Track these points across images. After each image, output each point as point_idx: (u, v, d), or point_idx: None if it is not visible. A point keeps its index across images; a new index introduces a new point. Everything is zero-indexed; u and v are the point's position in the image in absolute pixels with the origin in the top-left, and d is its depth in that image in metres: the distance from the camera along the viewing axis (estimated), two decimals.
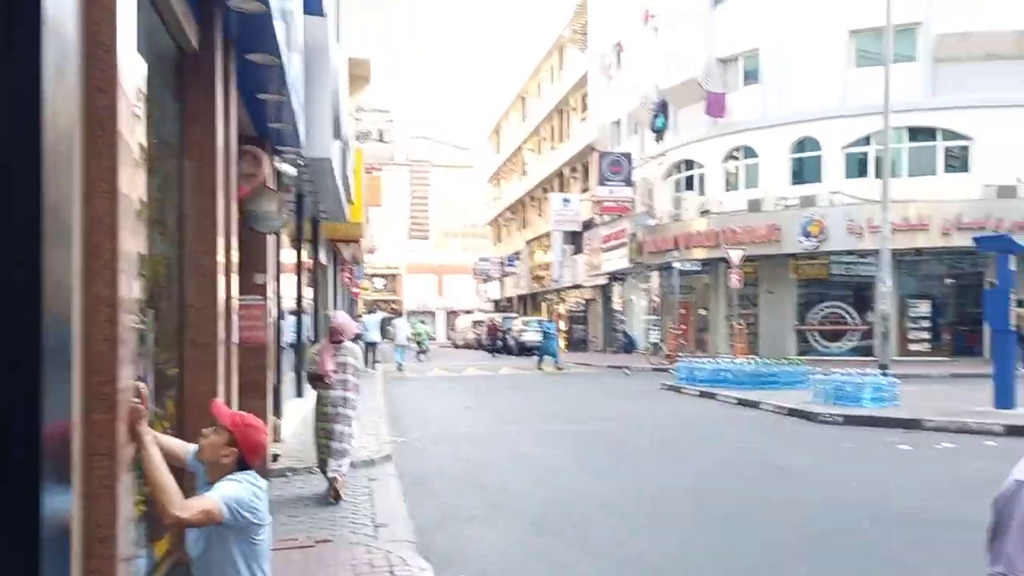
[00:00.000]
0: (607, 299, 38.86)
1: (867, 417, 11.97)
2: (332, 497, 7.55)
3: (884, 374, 14.74)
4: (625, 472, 8.96)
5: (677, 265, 26.23)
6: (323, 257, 19.84)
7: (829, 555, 5.96)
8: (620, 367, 26.65)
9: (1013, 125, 23.70)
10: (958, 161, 24.58)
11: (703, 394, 16.61)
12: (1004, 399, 11.71)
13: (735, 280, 24.21)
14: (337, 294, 26.58)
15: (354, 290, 32.10)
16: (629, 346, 34.32)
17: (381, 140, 21.92)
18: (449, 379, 23.49)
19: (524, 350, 36.76)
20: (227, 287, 5.27)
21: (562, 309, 45.58)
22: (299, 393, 13.66)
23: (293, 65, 6.48)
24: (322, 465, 7.85)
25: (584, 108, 42.66)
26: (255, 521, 3.10)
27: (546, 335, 27.28)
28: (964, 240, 23.01)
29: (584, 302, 42.25)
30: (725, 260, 27.54)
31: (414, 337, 38.60)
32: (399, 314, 30.27)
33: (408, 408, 15.73)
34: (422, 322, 50.38)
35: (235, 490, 3.05)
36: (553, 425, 12.84)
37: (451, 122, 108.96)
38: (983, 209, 22.97)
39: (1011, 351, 11.63)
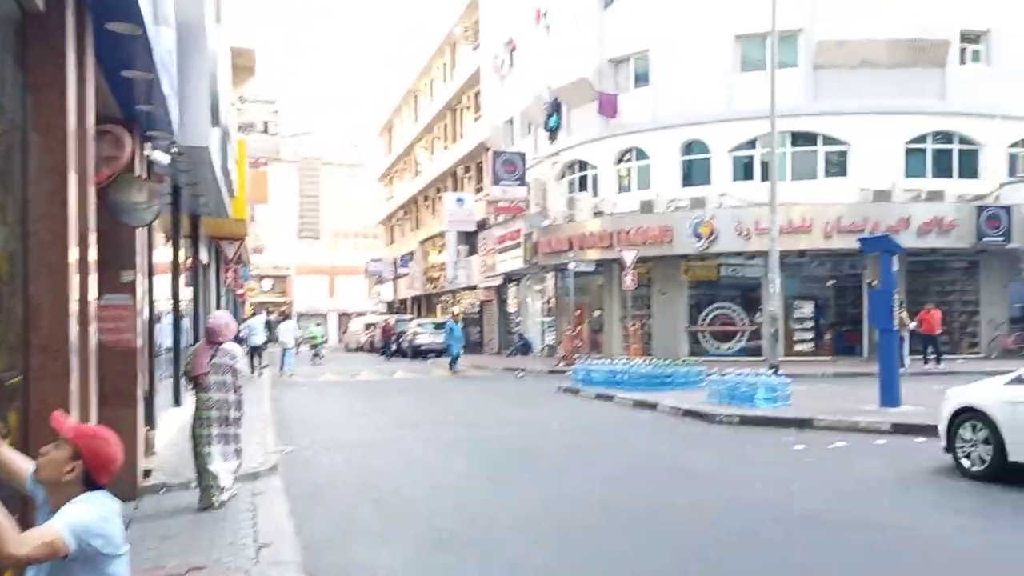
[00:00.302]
0: (502, 300, 38.68)
1: (762, 417, 12.06)
2: (207, 507, 7.25)
3: (775, 374, 14.99)
4: (529, 479, 8.63)
5: (572, 266, 26.21)
6: (204, 256, 18.80)
7: (736, 559, 5.79)
8: (516, 369, 26.47)
9: (887, 131, 24.75)
10: (837, 166, 25.48)
11: (600, 396, 16.51)
12: (889, 398, 12.00)
13: (629, 281, 24.36)
14: (221, 295, 25.37)
15: (239, 291, 30.77)
16: (525, 348, 34.18)
17: (266, 132, 20.96)
18: (341, 384, 22.72)
19: (419, 353, 36.21)
20: (83, 285, 4.63)
21: (457, 311, 45.13)
22: (177, 402, 12.78)
23: (162, 40, 5.84)
24: (201, 474, 7.41)
25: (477, 107, 42.37)
26: (106, 551, 2.60)
27: (451, 334, 26.73)
28: (844, 242, 23.95)
29: (479, 303, 41.95)
30: (619, 261, 27.76)
31: (308, 340, 39.06)
32: (287, 316, 29.28)
33: (297, 415, 15.00)
34: (317, 325, 49.29)
35: (81, 515, 2.57)
36: (452, 430, 12.42)
37: (343, 119, 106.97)
38: (861, 212, 23.86)
39: (894, 351, 11.92)
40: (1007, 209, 23.63)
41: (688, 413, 13.07)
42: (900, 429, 10.71)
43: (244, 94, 21.66)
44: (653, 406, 14.24)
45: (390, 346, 36.79)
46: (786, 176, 25.72)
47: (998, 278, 25.36)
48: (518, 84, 35.30)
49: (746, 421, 12.03)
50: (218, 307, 21.64)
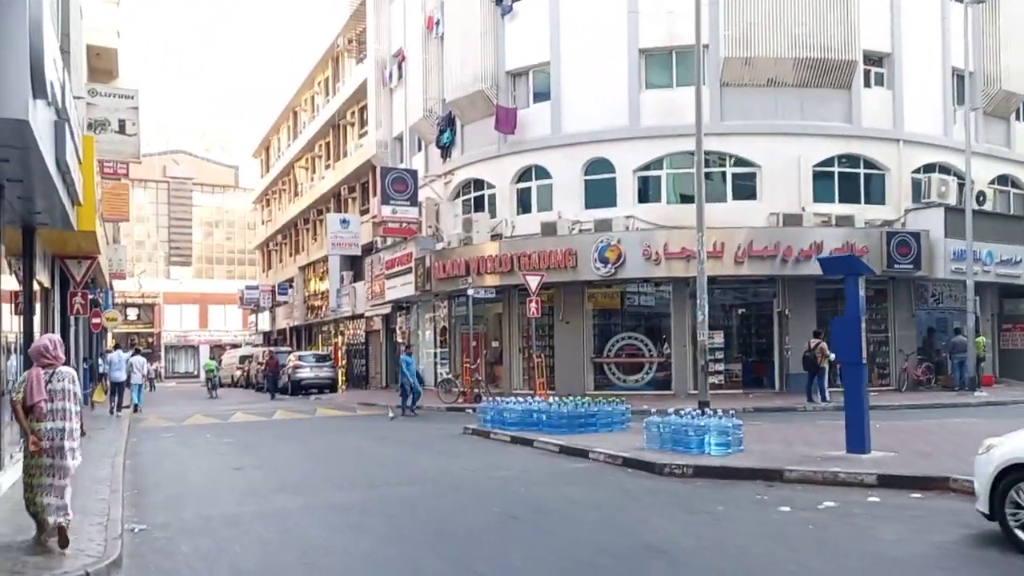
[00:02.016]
0: (390, 331, 36.21)
1: (719, 468, 10.33)
2: (60, 545, 6.96)
3: (702, 412, 13.40)
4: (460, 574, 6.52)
5: (471, 292, 24.21)
6: (44, 278, 15.77)
7: None
8: (390, 408, 24.11)
9: (795, 153, 24.07)
10: (746, 188, 24.58)
11: (516, 440, 14.52)
12: (858, 443, 10.52)
13: (533, 309, 22.56)
14: (70, 325, 22.02)
15: (95, 321, 27.17)
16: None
17: (123, 132, 18.06)
18: (212, 427, 19.86)
19: (299, 388, 33.33)
20: None
21: (341, 342, 42.30)
22: None
23: None
24: (36, 511, 7.03)
25: (363, 122, 40.03)
26: None
27: (407, 367, 22.25)
28: (755, 268, 23.03)
29: (365, 334, 39.32)
30: (519, 287, 25.98)
31: (207, 374, 38.01)
32: (138, 350, 26.55)
33: (155, 475, 12.30)
34: (212, 358, 45.39)
35: None
36: (349, 494, 10.13)
37: (217, 138, 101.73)
38: (772, 237, 22.94)
39: (862, 388, 10.47)
40: (916, 235, 23.22)
41: (629, 463, 11.23)
42: (888, 482, 9.19)
43: (97, 87, 18.72)
44: (584, 454, 12.34)
45: (275, 382, 33.04)
46: (693, 198, 24.63)
47: (906, 307, 24.98)
48: (408, 98, 33.31)
49: (701, 472, 10.28)
50: (63, 339, 18.49)
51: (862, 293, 10.67)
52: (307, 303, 48.86)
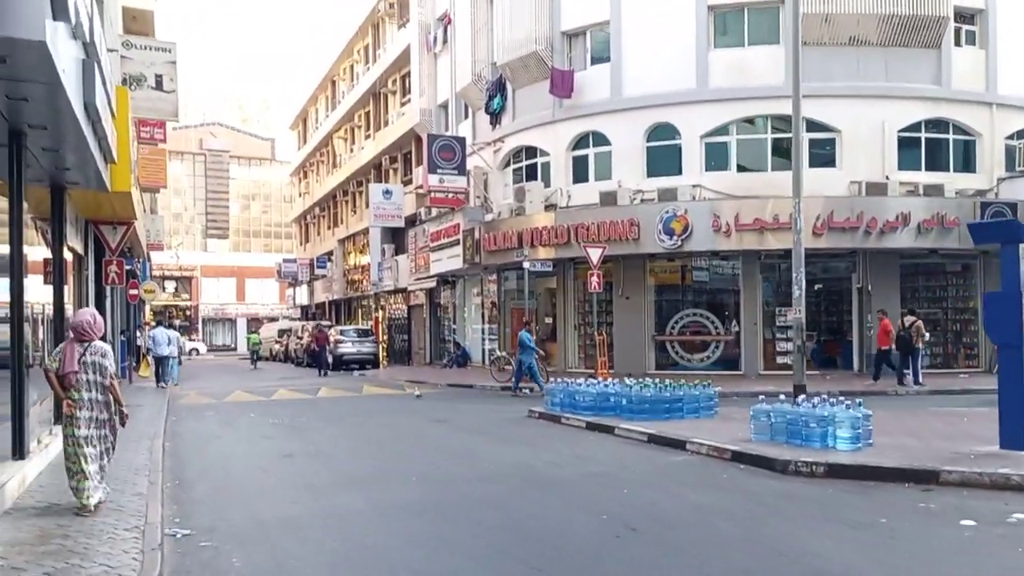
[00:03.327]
0: (435, 305, 34.90)
1: (855, 467, 8.78)
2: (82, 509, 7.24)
3: (796, 397, 11.89)
4: None
5: (527, 265, 22.73)
6: (76, 244, 14.56)
7: None
8: (464, 385, 22.87)
9: (879, 118, 22.23)
10: (825, 155, 22.76)
11: (592, 426, 13.09)
12: (1015, 437, 8.91)
13: (595, 283, 21.05)
14: (105, 296, 20.91)
15: (131, 292, 26.16)
16: (462, 359, 30.55)
17: (160, 88, 16.73)
18: (256, 405, 18.66)
19: (340, 364, 32.18)
20: None
21: (381, 316, 41.11)
22: (20, 454, 8.71)
23: None
24: (71, 476, 7.27)
25: (405, 91, 38.52)
26: None
27: (523, 348, 19.75)
28: (834, 241, 21.27)
29: (407, 309, 38.05)
30: (575, 260, 24.55)
31: (252, 347, 39.42)
32: (170, 324, 26.06)
33: (199, 463, 11.03)
34: (254, 332, 45.27)
35: None
36: (420, 491, 8.76)
37: (253, 110, 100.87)
38: (854, 207, 21.18)
39: (1020, 373, 8.83)
40: (1013, 206, 21.27)
41: (740, 457, 9.72)
42: None
43: (131, 39, 17.41)
44: (679, 444, 10.87)
45: (324, 358, 31.01)
46: (766, 166, 22.98)
47: (997, 283, 23.00)
48: (455, 63, 31.78)
49: (835, 472, 8.75)
50: (99, 309, 17.35)
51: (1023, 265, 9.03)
52: (346, 277, 47.73)
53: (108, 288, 20.09)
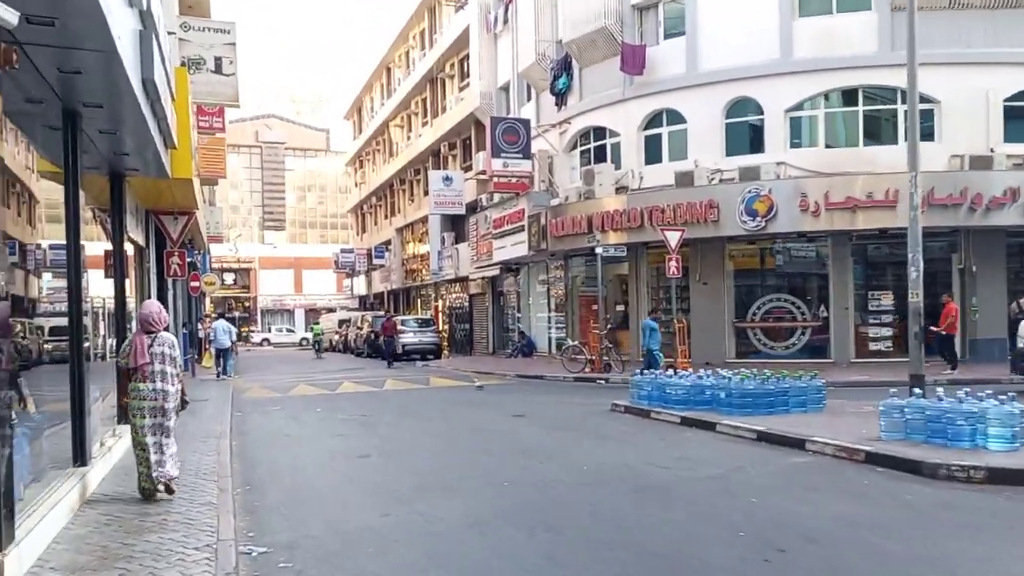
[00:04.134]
0: (497, 293, 33.98)
1: (1020, 472, 7.55)
2: (167, 492, 7.50)
3: (912, 388, 10.69)
4: None
5: (600, 250, 21.62)
6: (137, 235, 13.90)
7: None
8: (533, 376, 21.91)
9: (981, 86, 20.55)
10: (923, 127, 21.05)
11: (689, 422, 11.97)
12: None
13: (673, 268, 19.86)
14: (167, 289, 20.38)
15: (193, 284, 25.73)
16: (527, 348, 29.58)
17: (220, 72, 16.01)
18: (322, 400, 17.92)
19: (401, 354, 31.43)
20: None
21: (441, 306, 40.34)
22: (82, 460, 7.95)
23: None
24: (147, 473, 7.38)
25: (463, 74, 37.56)
26: None
27: (651, 333, 18.73)
28: (935, 219, 19.64)
29: (468, 298, 37.20)
30: (648, 245, 23.40)
31: (314, 337, 40.35)
32: (222, 315, 26.47)
33: (269, 465, 10.22)
34: (317, 323, 45.63)
35: None
36: (517, 497, 7.79)
37: (308, 102, 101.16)
38: (956, 182, 19.59)
39: None
40: None
41: (875, 459, 8.54)
42: None
43: (188, 20, 16.71)
44: (797, 444, 9.71)
45: (393, 349, 30.03)
46: (857, 140, 21.49)
47: None
48: (517, 43, 30.69)
49: (998, 477, 7.54)
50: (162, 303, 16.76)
51: None
52: (405, 266, 47.11)
53: (169, 280, 19.53)
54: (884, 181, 19.63)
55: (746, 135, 22.44)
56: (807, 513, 6.93)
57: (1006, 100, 20.63)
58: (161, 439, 7.39)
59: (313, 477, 9.33)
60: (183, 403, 7.80)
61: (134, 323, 12.75)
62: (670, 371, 14.24)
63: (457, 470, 9.36)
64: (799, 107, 21.72)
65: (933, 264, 21.65)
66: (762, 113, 22.00)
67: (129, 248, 12.62)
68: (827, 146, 21.58)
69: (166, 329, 7.70)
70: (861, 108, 21.43)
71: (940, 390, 9.19)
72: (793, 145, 21.76)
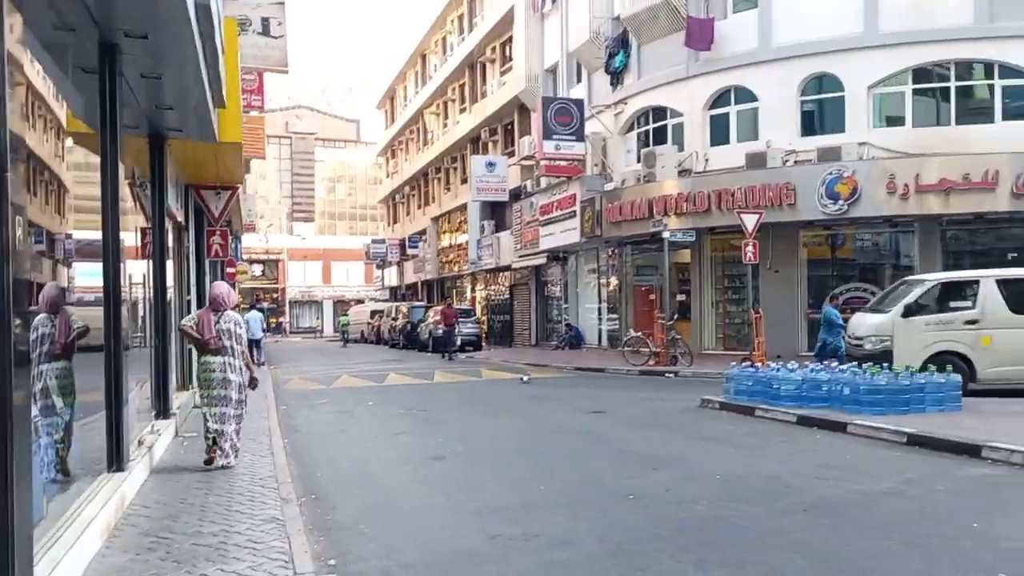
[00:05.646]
0: (541, 283, 32.47)
1: None
2: (204, 463, 7.82)
3: None
4: None
5: (667, 235, 20.06)
6: (176, 209, 12.51)
7: None
8: (593, 369, 20.43)
9: None
10: (1020, 106, 19.39)
11: (807, 421, 10.42)
12: None
13: (750, 254, 18.28)
14: (206, 275, 19.05)
15: (229, 270, 24.53)
16: (575, 340, 28.06)
17: (267, 34, 14.62)
18: (370, 392, 16.52)
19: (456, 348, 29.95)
20: None
21: (480, 296, 38.89)
22: (118, 464, 6.53)
23: None
24: (207, 433, 7.81)
25: (505, 58, 36.06)
26: None
27: (829, 325, 15.61)
28: None
29: (508, 288, 35.71)
30: (713, 230, 21.85)
31: (342, 327, 41.94)
32: (253, 306, 25.39)
33: (330, 467, 8.79)
34: (344, 314, 44.90)
35: None
36: (644, 515, 6.30)
37: (337, 94, 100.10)
38: None
39: None
40: None
41: None
42: None
43: None
44: (965, 450, 8.16)
45: (453, 340, 27.67)
46: (950, 119, 19.76)
47: None
48: (567, 21, 29.10)
49: None
50: (199, 288, 15.42)
51: None
52: (440, 256, 45.72)
53: (208, 263, 18.17)
54: (983, 162, 17.93)
55: (825, 113, 20.81)
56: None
57: None
58: (224, 409, 7.79)
59: (386, 484, 7.89)
60: (252, 380, 8.15)
61: (173, 314, 11.41)
62: (744, 364, 12.69)
63: (557, 478, 7.87)
64: (884, 83, 20.01)
65: None
66: (842, 90, 20.30)
67: (169, 226, 11.22)
68: (914, 125, 19.84)
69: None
70: (953, 84, 19.69)
71: None
72: (877, 124, 20.05)
